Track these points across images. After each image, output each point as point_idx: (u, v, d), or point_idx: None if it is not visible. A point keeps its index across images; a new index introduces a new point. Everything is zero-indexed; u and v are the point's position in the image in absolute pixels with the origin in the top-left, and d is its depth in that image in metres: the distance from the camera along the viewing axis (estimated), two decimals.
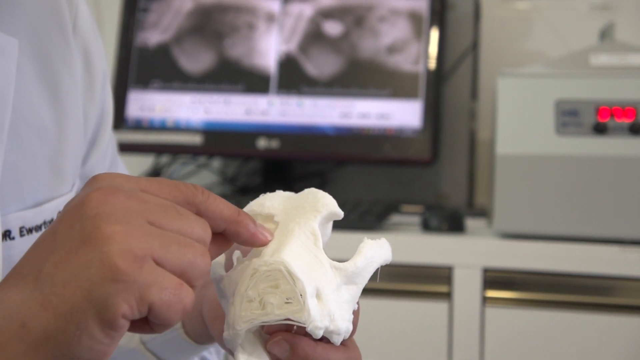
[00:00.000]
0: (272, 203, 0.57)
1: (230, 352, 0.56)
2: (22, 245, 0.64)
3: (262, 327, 0.54)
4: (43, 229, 0.66)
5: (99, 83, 0.75)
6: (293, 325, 0.52)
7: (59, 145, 0.68)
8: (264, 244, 0.53)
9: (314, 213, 0.55)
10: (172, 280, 0.46)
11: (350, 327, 0.54)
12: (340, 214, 0.56)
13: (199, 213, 0.50)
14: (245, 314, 0.52)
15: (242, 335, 0.52)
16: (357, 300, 0.55)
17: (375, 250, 0.56)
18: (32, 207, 0.65)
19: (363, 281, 0.55)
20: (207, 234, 0.50)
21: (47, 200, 0.67)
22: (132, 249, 0.45)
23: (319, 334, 0.52)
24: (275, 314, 0.51)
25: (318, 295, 0.52)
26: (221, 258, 0.56)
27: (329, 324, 0.52)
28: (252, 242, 0.53)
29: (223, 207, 0.51)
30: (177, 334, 0.71)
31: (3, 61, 0.60)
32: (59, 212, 0.68)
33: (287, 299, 0.51)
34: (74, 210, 0.48)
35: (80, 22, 0.72)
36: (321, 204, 0.56)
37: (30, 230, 0.65)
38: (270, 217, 0.56)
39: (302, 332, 0.53)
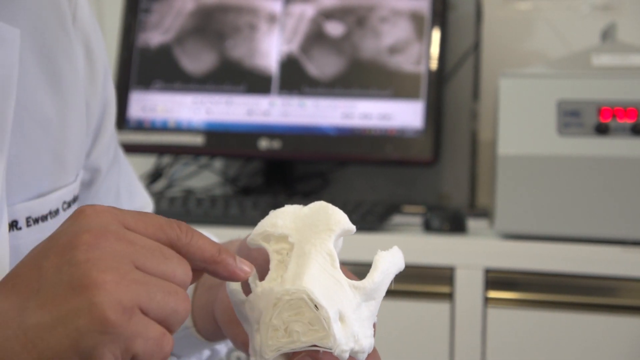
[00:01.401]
0: (284, 222, 0.57)
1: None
2: (29, 235, 0.64)
3: None
4: (49, 219, 0.66)
5: (101, 74, 0.75)
6: (318, 349, 0.53)
7: (62, 135, 0.68)
8: (243, 279, 0.54)
9: (328, 232, 0.55)
10: (156, 330, 0.47)
11: (373, 342, 0.55)
12: (353, 229, 0.57)
13: (180, 254, 0.51)
14: (272, 343, 0.52)
15: None
16: (376, 314, 0.56)
17: (389, 262, 0.57)
18: (36, 197, 0.65)
19: (381, 295, 0.56)
20: (188, 278, 0.50)
21: (51, 190, 0.67)
22: (121, 301, 0.46)
23: (346, 356, 0.53)
24: (302, 341, 0.52)
25: (341, 318, 0.53)
26: (237, 284, 0.57)
27: (354, 344, 0.53)
28: (231, 280, 0.54)
29: (204, 249, 0.52)
30: (188, 332, 0.72)
31: (5, 51, 0.60)
32: (64, 203, 0.68)
33: (311, 324, 0.52)
34: (63, 251, 0.47)
35: (79, 14, 0.72)
36: (334, 222, 0.56)
37: (36, 220, 0.65)
38: (284, 238, 0.56)
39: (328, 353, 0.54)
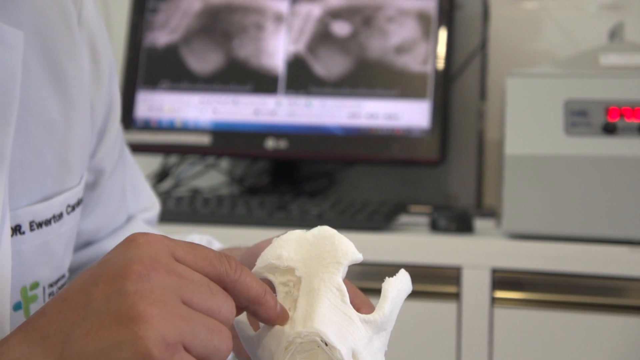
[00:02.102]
0: (289, 253, 0.55)
1: None
2: (33, 239, 0.63)
3: None
4: (53, 223, 0.66)
5: (106, 74, 0.74)
6: None
7: (66, 137, 0.67)
8: (280, 324, 0.53)
9: (336, 265, 0.54)
10: None
11: None
12: (360, 258, 0.56)
13: (226, 289, 0.51)
14: None
15: None
16: (387, 343, 0.55)
17: (398, 288, 0.56)
18: (40, 201, 0.64)
19: (392, 324, 0.55)
20: (232, 315, 0.50)
21: (56, 194, 0.66)
22: (165, 337, 0.45)
23: None
24: None
25: (354, 355, 0.52)
26: (244, 315, 0.56)
27: None
28: (268, 322, 0.53)
29: (250, 287, 0.52)
30: None
31: (9, 54, 0.60)
32: (68, 206, 0.68)
33: None
34: (113, 279, 0.47)
35: (85, 14, 0.71)
36: (341, 255, 0.55)
37: (40, 225, 0.64)
38: (290, 270, 0.55)
39: None
